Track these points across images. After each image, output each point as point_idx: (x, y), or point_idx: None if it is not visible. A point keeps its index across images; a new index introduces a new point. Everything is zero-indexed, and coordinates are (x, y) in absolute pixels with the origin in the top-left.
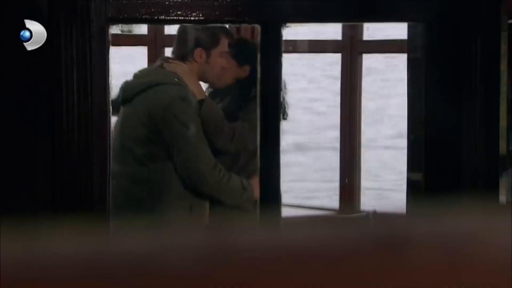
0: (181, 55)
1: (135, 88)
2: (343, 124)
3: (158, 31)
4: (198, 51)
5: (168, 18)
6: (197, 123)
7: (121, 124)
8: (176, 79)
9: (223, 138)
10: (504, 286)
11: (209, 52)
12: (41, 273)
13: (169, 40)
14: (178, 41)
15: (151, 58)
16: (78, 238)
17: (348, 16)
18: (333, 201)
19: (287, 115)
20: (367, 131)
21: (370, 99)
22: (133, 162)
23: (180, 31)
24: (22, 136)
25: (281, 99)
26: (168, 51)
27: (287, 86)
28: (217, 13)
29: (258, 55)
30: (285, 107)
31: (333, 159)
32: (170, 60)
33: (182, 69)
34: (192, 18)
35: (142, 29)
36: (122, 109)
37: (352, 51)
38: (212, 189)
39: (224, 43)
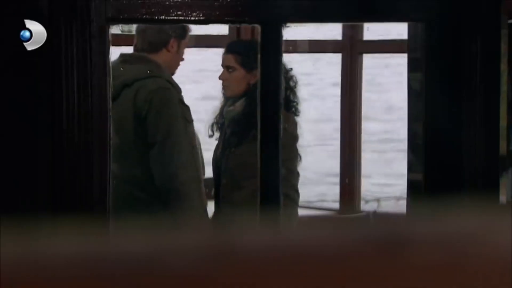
0: (153, 46)
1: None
2: (343, 124)
3: None
4: (172, 41)
5: (168, 18)
6: (177, 111)
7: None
8: (148, 71)
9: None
10: (504, 286)
11: (180, 43)
12: (41, 273)
13: None
14: (149, 32)
15: None
16: (78, 238)
17: (348, 16)
18: None
19: (299, 112)
20: None
21: None
22: (129, 162)
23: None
24: (22, 136)
25: (292, 96)
26: None
27: (298, 83)
28: (217, 13)
29: (258, 55)
30: (297, 104)
31: None
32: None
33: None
34: (192, 18)
35: None
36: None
37: (352, 51)
38: (183, 187)
39: (188, 35)
